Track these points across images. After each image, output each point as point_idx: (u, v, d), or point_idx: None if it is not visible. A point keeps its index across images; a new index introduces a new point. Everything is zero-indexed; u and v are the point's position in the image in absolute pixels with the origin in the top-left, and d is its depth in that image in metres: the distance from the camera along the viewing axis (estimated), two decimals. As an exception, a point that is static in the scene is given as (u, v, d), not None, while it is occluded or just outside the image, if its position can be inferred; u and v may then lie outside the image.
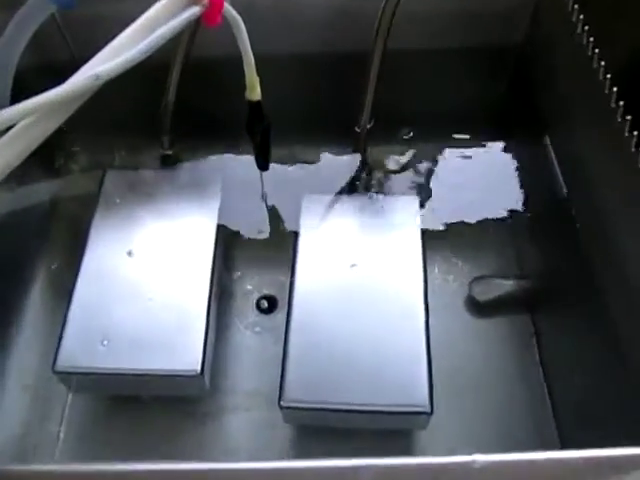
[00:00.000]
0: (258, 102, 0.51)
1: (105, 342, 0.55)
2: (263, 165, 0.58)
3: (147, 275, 0.59)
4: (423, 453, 0.58)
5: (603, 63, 0.49)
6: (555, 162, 0.60)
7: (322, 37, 0.66)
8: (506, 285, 0.68)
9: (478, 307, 0.66)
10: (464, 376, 0.62)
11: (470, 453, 0.59)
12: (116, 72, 0.35)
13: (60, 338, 0.55)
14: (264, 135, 0.54)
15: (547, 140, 0.62)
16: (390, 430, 0.58)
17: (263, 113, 0.52)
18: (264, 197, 0.64)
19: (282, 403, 0.53)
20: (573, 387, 0.58)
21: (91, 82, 0.34)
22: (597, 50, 0.50)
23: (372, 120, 0.65)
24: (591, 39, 0.51)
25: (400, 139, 0.76)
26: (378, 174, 0.72)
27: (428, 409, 0.52)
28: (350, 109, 0.67)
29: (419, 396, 0.53)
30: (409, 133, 0.76)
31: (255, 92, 0.50)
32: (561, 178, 0.59)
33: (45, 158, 0.73)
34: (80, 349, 0.54)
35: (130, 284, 0.58)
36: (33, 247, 0.69)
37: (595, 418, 0.53)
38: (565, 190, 0.58)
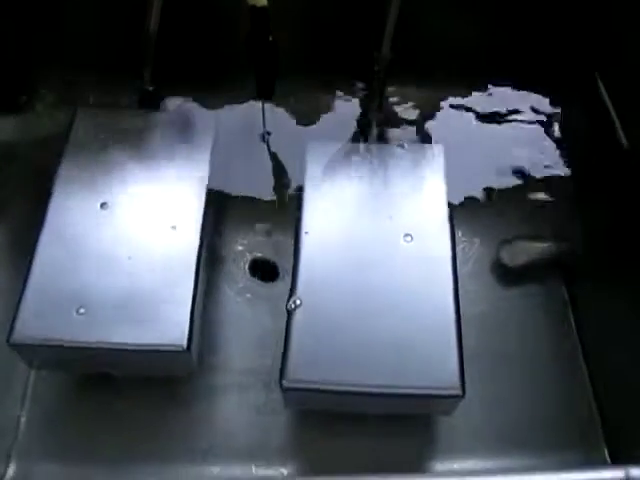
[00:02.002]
0: (263, 9, 0.42)
1: (71, 309, 0.50)
2: (266, 92, 0.49)
3: (123, 232, 0.54)
4: (448, 442, 0.55)
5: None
6: (609, 104, 0.53)
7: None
8: (539, 248, 0.64)
9: (507, 273, 0.63)
10: (491, 352, 0.58)
11: (500, 442, 0.52)
12: None
13: (17, 305, 0.51)
14: (269, 54, 0.46)
15: (597, 78, 0.54)
16: (405, 415, 0.54)
17: (270, 24, 0.43)
18: (265, 138, 0.57)
19: (284, 383, 0.48)
20: (615, 363, 0.55)
21: None
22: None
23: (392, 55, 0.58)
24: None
25: (420, 82, 0.71)
26: (394, 119, 0.68)
27: (459, 391, 0.48)
28: (364, 42, 0.61)
29: (448, 376, 0.48)
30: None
31: None
32: (618, 125, 0.51)
33: (6, 95, 0.68)
34: (40, 318, 0.50)
35: (103, 242, 0.54)
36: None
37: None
38: (624, 139, 0.51)
